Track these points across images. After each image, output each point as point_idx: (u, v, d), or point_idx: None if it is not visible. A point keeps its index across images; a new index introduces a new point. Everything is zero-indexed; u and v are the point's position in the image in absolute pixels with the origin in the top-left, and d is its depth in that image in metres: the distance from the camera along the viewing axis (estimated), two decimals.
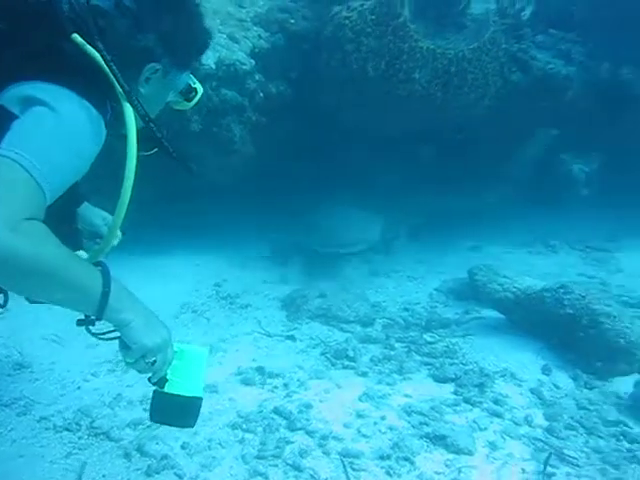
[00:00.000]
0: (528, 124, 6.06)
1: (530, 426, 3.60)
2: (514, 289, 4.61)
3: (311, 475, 3.03)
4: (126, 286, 1.73)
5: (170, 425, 2.07)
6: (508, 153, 6.65)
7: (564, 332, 4.24)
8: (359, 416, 3.58)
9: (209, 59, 5.04)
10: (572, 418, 3.67)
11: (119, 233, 2.08)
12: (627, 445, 3.44)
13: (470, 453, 3.30)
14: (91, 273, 1.62)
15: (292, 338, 4.68)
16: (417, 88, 5.11)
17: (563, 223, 7.57)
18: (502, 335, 4.61)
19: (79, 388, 3.83)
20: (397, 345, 4.53)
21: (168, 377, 1.89)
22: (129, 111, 1.75)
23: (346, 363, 4.24)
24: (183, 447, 3.22)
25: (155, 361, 1.78)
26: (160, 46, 1.87)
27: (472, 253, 6.82)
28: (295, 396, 3.77)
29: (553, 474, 3.16)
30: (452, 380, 4.02)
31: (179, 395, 1.91)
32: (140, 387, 3.73)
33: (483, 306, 5.09)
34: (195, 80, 2.11)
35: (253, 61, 5.41)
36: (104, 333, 1.78)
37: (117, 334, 1.74)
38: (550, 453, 3.29)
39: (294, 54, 5.88)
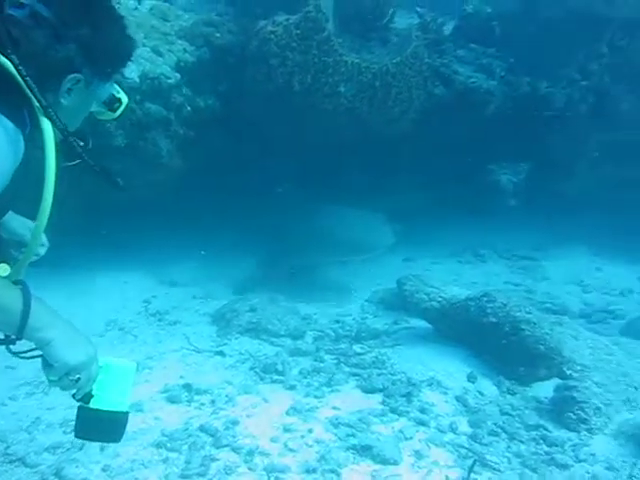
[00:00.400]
0: (453, 137, 6.18)
1: (455, 433, 3.67)
2: (440, 298, 4.69)
3: None
4: (48, 304, 1.71)
5: (95, 441, 2.09)
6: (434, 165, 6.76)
7: (488, 340, 4.33)
8: (286, 430, 3.57)
9: (133, 72, 4.97)
10: (495, 424, 3.76)
11: (45, 241, 2.10)
12: (546, 448, 3.55)
13: (396, 463, 3.33)
14: (11, 293, 1.62)
15: (221, 354, 4.63)
16: (342, 102, 5.16)
17: (492, 233, 7.75)
18: (429, 344, 4.68)
19: None
20: (327, 357, 4.54)
21: (93, 392, 1.85)
22: (47, 126, 1.70)
23: (275, 377, 4.23)
24: (104, 469, 3.14)
25: (79, 378, 1.75)
26: (80, 56, 1.81)
27: (405, 264, 6.90)
28: (222, 412, 3.73)
29: None
30: (380, 390, 4.06)
31: (104, 410, 1.86)
32: (61, 410, 3.63)
33: (412, 316, 5.16)
34: (120, 90, 2.07)
35: (179, 75, 5.36)
36: (25, 352, 1.73)
37: (39, 352, 1.71)
38: (474, 460, 3.35)
39: (221, 68, 5.86)
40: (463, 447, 3.51)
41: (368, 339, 4.85)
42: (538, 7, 6.25)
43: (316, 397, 3.98)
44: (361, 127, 5.43)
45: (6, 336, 1.68)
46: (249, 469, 3.19)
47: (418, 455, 3.42)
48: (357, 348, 4.67)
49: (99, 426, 1.90)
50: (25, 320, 1.60)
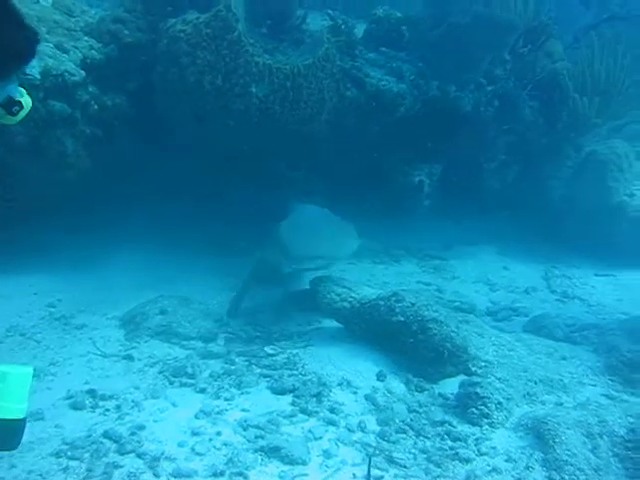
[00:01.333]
0: (365, 138, 6.26)
1: (363, 432, 3.71)
2: (351, 299, 4.74)
3: None
4: None
5: None
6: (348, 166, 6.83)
7: (397, 339, 4.41)
8: (194, 434, 3.53)
9: (34, 69, 4.79)
10: (403, 422, 3.82)
11: None
12: (450, 443, 3.65)
13: (304, 463, 3.34)
14: None
15: (129, 357, 4.52)
16: (254, 102, 5.14)
17: (405, 233, 7.88)
18: (340, 344, 4.72)
19: None
20: (238, 359, 4.50)
21: None
22: None
23: (184, 380, 4.16)
24: None
25: None
26: None
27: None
28: (127, 418, 3.65)
29: (381, 477, 3.27)
30: (290, 391, 4.07)
31: (2, 419, 1.88)
32: None
33: (324, 316, 5.19)
34: (23, 92, 1.97)
35: (84, 72, 5.21)
36: None
37: None
38: (369, 457, 3.40)
39: (131, 65, 5.75)
40: (371, 445, 3.56)
41: (280, 340, 4.85)
42: (445, 13, 6.42)
43: (226, 399, 3.94)
44: (275, 127, 5.41)
45: None
46: (154, 475, 3.13)
47: (327, 454, 3.45)
48: (269, 349, 4.66)
49: None
50: None
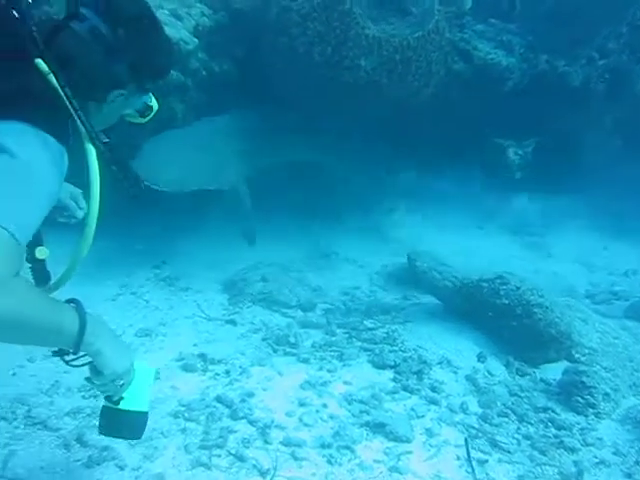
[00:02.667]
0: (469, 112, 6.15)
1: (465, 413, 3.73)
2: (453, 278, 4.72)
3: (254, 465, 3.06)
4: (96, 316, 1.90)
5: (119, 437, 2.25)
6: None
7: (498, 321, 4.39)
8: (301, 404, 3.63)
9: None
10: (504, 405, 3.82)
11: (84, 205, 2.30)
12: (554, 431, 3.62)
13: (408, 440, 3.40)
14: (68, 314, 1.78)
15: (233, 322, 4.67)
16: (362, 75, 5.11)
17: (498, 206, 7.74)
18: (440, 322, 4.72)
19: (14, 374, 3.73)
20: (338, 331, 4.58)
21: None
22: (90, 147, 1.81)
23: (287, 349, 4.27)
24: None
25: (123, 384, 1.97)
26: (129, 74, 1.93)
27: (414, 233, 6.91)
28: (237, 384, 3.78)
29: (486, 461, 3.30)
30: (391, 367, 4.11)
31: (130, 410, 2.07)
32: (78, 373, 3.62)
33: (422, 292, 5.21)
34: (152, 97, 2.16)
35: (196, 40, 5.31)
36: (76, 359, 1.91)
37: (88, 359, 1.91)
38: (466, 439, 3.43)
39: (239, 33, 5.80)
40: (473, 427, 3.58)
41: (378, 314, 4.90)
42: None
43: (329, 371, 4.03)
44: (381, 99, 5.38)
45: (60, 350, 1.90)
46: (266, 442, 3.25)
47: (429, 433, 3.50)
48: (368, 323, 4.72)
49: (123, 425, 2.13)
50: (80, 339, 1.78)
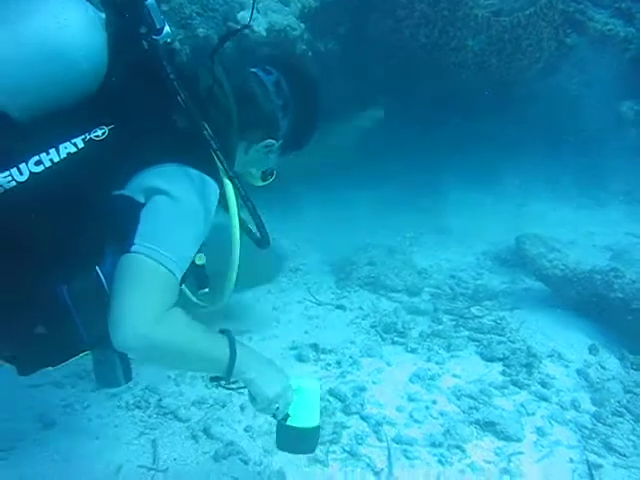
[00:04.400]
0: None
1: (577, 411, 3.70)
2: (562, 266, 4.63)
3: (367, 464, 3.19)
4: (248, 346, 2.05)
5: (293, 452, 2.41)
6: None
7: (612, 313, 4.28)
8: (411, 399, 3.72)
9: (260, 25, 4.98)
10: (619, 403, 3.76)
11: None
12: None
13: (519, 440, 3.42)
14: (220, 345, 1.92)
15: (342, 307, 4.80)
16: (469, 56, 5.00)
17: (610, 170, 7.36)
18: (550, 311, 4.66)
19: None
20: (445, 318, 4.62)
21: (289, 412, 2.17)
22: (231, 192, 1.89)
23: (396, 338, 4.36)
24: (246, 430, 3.39)
25: (278, 407, 2.10)
26: (286, 131, 2.11)
27: (520, 210, 6.78)
28: (349, 377, 3.90)
29: (600, 465, 3.28)
30: (500, 359, 4.12)
31: (299, 427, 2.19)
32: None
33: (529, 276, 5.14)
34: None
35: (303, 25, 5.33)
36: (234, 383, 2.02)
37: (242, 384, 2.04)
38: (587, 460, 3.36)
39: (343, 9, 5.77)
40: (586, 427, 3.56)
41: (485, 299, 4.89)
42: None
43: (437, 363, 4.09)
44: (486, 80, 5.26)
45: (217, 376, 1.99)
46: (378, 439, 3.37)
47: (540, 432, 3.50)
48: (475, 310, 4.73)
49: (295, 440, 2.24)
50: (232, 367, 1.90)
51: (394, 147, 6.17)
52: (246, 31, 4.78)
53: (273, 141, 2.11)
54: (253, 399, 2.07)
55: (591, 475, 3.21)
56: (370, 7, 5.42)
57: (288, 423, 2.17)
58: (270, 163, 2.23)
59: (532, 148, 6.71)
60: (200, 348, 1.85)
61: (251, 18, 4.73)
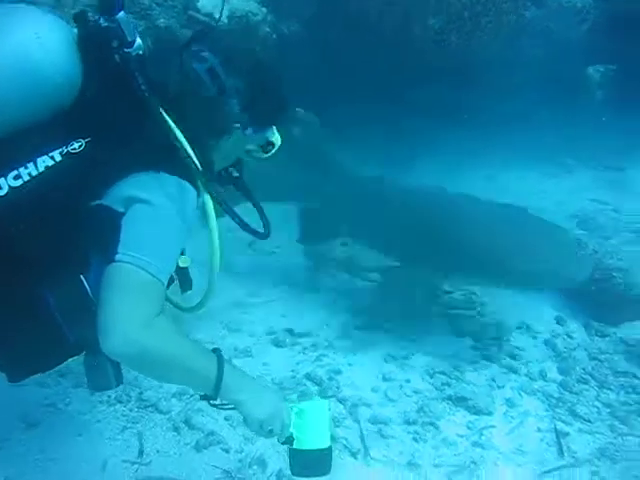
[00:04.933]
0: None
1: (545, 380, 3.85)
2: None
3: (344, 446, 3.29)
4: (237, 367, 2.06)
5: (309, 477, 2.19)
6: None
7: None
8: (385, 379, 3.83)
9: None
10: (584, 370, 3.91)
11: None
12: (635, 397, 3.70)
13: (490, 413, 3.56)
14: (208, 361, 1.89)
15: (316, 290, 4.85)
16: (430, 34, 5.04)
17: (576, 135, 7.38)
18: None
19: None
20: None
21: (295, 435, 2.09)
22: (208, 199, 1.89)
23: (367, 320, 4.38)
24: (226, 419, 3.45)
25: (272, 429, 2.02)
26: (240, 110, 2.02)
27: (486, 183, 6.83)
28: (325, 360, 3.97)
29: (567, 433, 3.43)
30: (470, 334, 4.24)
31: (307, 450, 2.11)
32: None
33: None
34: (275, 133, 2.19)
35: (265, 9, 5.32)
36: (222, 404, 1.99)
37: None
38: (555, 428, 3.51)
39: None
40: (553, 397, 3.71)
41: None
42: None
43: (411, 340, 4.19)
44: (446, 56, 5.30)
45: (205, 394, 1.96)
46: (355, 421, 3.47)
47: (510, 404, 3.65)
48: (446, 286, 4.82)
49: (306, 463, 2.14)
50: (219, 386, 1.87)
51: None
52: (208, 20, 4.78)
53: (234, 125, 2.05)
54: (244, 420, 2.03)
55: (559, 443, 3.36)
56: None
57: (295, 446, 2.11)
58: (259, 138, 2.14)
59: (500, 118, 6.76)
60: (189, 353, 1.83)
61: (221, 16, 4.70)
